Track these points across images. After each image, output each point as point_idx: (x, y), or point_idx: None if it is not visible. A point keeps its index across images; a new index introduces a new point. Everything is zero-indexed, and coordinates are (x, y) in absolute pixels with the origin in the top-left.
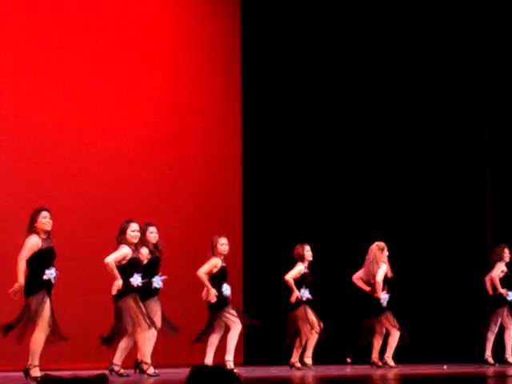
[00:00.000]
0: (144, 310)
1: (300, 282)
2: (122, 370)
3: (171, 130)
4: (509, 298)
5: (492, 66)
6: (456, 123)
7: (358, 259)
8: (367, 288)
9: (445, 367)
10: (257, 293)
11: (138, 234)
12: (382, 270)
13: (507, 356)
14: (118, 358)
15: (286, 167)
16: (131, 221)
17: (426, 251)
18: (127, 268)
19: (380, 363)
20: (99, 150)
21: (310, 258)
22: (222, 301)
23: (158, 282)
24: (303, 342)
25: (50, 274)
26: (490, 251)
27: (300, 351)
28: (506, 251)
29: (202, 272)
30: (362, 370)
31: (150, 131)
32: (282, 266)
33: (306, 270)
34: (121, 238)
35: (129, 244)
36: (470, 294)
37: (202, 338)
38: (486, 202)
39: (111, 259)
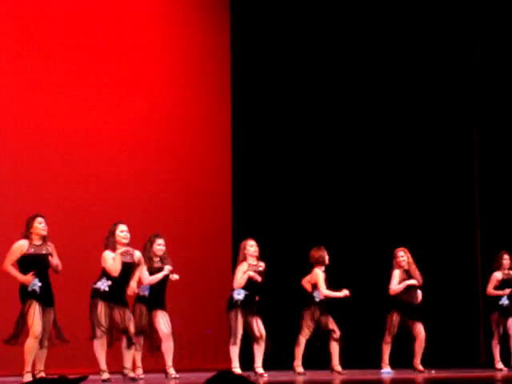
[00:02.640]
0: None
1: (315, 285)
2: (132, 374)
3: (160, 134)
4: (500, 302)
5: (481, 67)
6: (445, 125)
7: (350, 261)
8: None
9: (433, 372)
10: None
11: (128, 234)
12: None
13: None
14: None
15: (276, 172)
16: (119, 222)
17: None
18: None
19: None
20: (88, 154)
21: (327, 262)
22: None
23: (143, 290)
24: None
25: (34, 284)
26: (478, 254)
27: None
28: (506, 257)
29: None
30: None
31: (138, 135)
32: (270, 270)
33: (324, 275)
34: (107, 242)
35: (116, 247)
36: (458, 298)
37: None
38: (475, 205)
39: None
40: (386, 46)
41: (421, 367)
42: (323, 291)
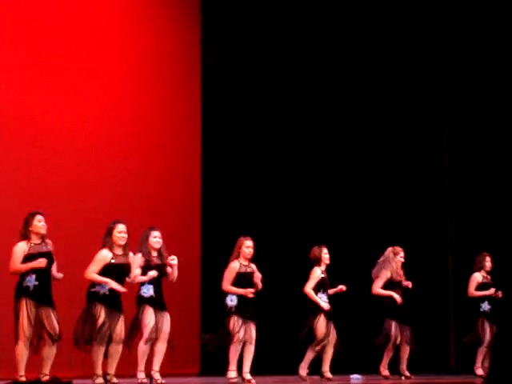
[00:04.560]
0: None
1: (317, 286)
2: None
3: (130, 131)
4: (481, 309)
5: (453, 70)
6: (417, 130)
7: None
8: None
9: (403, 378)
10: (215, 299)
11: (126, 235)
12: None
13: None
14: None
15: (246, 172)
16: (118, 221)
17: None
18: (104, 274)
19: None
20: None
21: (328, 261)
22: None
23: (144, 289)
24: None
25: (29, 281)
26: (449, 259)
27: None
28: (488, 259)
29: None
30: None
31: (108, 133)
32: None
33: (324, 275)
34: (105, 240)
35: (113, 246)
36: (428, 303)
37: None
38: (446, 208)
39: (91, 274)
40: (358, 45)
41: (407, 373)
42: (306, 288)
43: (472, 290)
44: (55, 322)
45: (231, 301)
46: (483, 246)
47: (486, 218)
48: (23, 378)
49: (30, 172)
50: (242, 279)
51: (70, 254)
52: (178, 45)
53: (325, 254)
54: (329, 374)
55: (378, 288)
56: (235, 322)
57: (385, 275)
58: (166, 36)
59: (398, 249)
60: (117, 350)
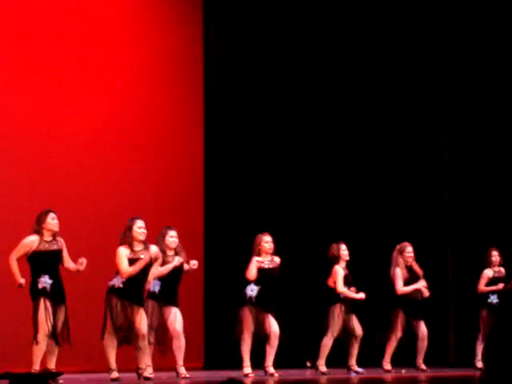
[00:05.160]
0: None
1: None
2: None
3: (132, 129)
4: (489, 300)
5: (452, 68)
6: (417, 129)
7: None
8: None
9: (403, 371)
10: (218, 294)
11: (145, 230)
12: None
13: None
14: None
15: (249, 170)
16: (136, 218)
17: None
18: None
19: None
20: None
21: (347, 258)
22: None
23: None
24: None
25: (44, 281)
26: (448, 254)
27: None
28: (494, 253)
29: None
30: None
31: (110, 132)
32: (243, 267)
33: (346, 271)
34: (123, 237)
35: (133, 243)
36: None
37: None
38: (445, 204)
39: (125, 271)
40: (358, 44)
41: (423, 366)
42: (339, 288)
43: (481, 286)
44: (67, 321)
45: (251, 291)
46: (483, 240)
47: (486, 212)
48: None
49: (33, 171)
50: (263, 274)
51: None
52: (180, 43)
53: (343, 251)
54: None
55: (400, 287)
56: (249, 313)
57: (399, 274)
58: (169, 35)
59: (404, 245)
60: (142, 344)
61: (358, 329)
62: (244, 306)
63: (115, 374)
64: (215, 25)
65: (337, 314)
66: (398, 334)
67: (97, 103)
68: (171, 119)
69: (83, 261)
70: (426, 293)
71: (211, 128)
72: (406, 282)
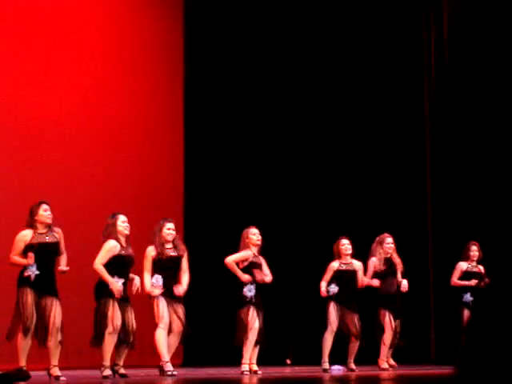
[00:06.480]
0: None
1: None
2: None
3: (112, 120)
4: (463, 299)
5: (433, 59)
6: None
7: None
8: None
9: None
10: (196, 291)
11: (128, 224)
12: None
13: None
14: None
15: (229, 164)
16: (118, 213)
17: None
18: (111, 266)
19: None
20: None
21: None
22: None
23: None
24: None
25: (30, 271)
26: (429, 251)
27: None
28: (473, 248)
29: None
30: (303, 371)
31: (90, 124)
32: (222, 263)
33: (341, 267)
34: (107, 233)
35: (117, 237)
36: (409, 293)
37: None
38: (427, 198)
39: (99, 265)
40: (343, 36)
41: (392, 361)
42: (322, 282)
43: (454, 279)
44: (58, 313)
45: (249, 291)
46: (465, 235)
47: (468, 206)
48: (56, 370)
49: (17, 162)
50: (252, 268)
51: None
52: (160, 35)
53: (342, 246)
54: (353, 366)
55: (366, 278)
56: (252, 313)
57: (371, 265)
58: (149, 26)
59: (384, 236)
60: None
61: (353, 328)
62: (243, 307)
63: (108, 372)
64: (196, 15)
65: (331, 309)
66: (390, 331)
67: (75, 95)
68: (152, 111)
69: (65, 270)
70: (405, 288)
71: (192, 121)
72: (381, 275)
